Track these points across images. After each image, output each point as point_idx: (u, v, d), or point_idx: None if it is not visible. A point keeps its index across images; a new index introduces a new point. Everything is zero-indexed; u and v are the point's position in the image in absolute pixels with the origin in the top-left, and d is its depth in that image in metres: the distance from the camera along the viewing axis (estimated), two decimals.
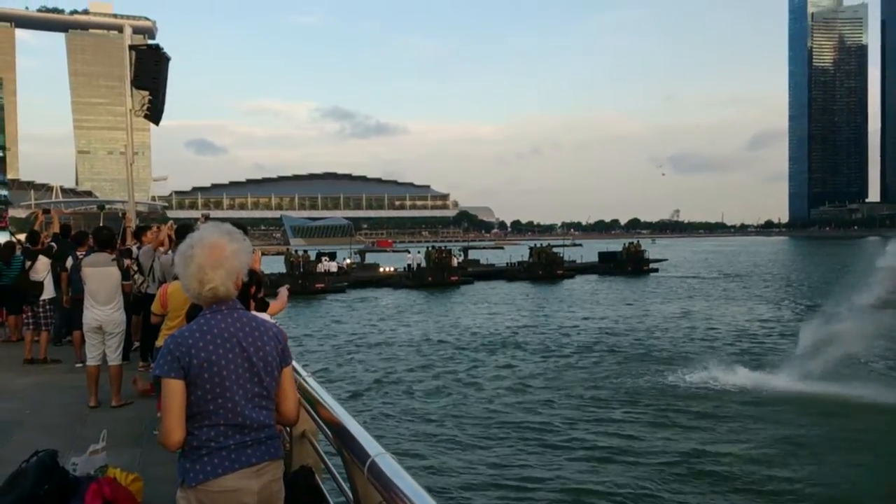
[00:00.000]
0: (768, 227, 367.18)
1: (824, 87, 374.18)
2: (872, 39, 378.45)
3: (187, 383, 2.76)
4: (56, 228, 13.65)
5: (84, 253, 9.20)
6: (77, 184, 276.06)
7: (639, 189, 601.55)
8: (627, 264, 75.89)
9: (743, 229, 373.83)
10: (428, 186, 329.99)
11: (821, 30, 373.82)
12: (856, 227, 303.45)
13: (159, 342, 6.47)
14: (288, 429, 4.26)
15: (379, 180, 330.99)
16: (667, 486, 12.99)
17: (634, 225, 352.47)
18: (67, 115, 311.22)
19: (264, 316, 4.24)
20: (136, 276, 10.10)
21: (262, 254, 7.19)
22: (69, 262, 10.61)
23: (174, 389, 2.74)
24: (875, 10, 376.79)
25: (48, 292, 11.31)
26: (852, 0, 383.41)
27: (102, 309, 8.38)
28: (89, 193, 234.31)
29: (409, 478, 2.40)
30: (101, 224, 12.71)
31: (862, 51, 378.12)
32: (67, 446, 5.86)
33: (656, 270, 77.01)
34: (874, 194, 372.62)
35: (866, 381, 19.38)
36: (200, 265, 2.86)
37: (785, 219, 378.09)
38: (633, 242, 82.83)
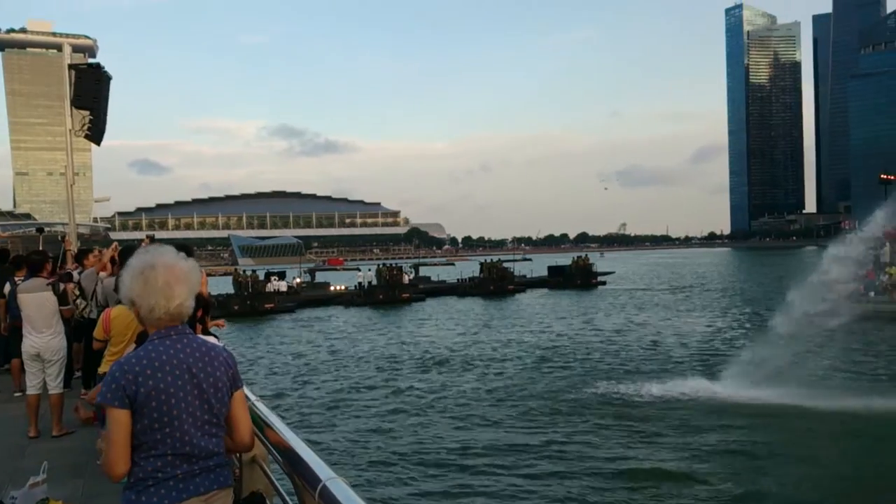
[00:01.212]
0: (711, 239, 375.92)
1: (761, 103, 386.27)
2: (805, 57, 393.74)
3: (133, 412, 2.65)
4: None
5: (22, 278, 8.92)
6: (15, 206, 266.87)
7: (587, 203, 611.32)
8: (576, 278, 76.86)
9: (687, 241, 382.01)
10: (378, 204, 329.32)
11: (756, 48, 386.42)
12: (794, 238, 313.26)
13: (102, 369, 6.29)
14: (236, 454, 4.18)
15: (329, 198, 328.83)
16: (616, 496, 13.13)
17: (583, 239, 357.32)
18: (4, 135, 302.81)
19: (212, 340, 4.16)
20: (78, 301, 9.81)
21: (209, 274, 7.06)
22: (7, 287, 10.27)
23: (119, 419, 2.64)
24: (807, 28, 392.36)
25: None
26: (785, 19, 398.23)
27: (40, 336, 8.11)
28: (28, 216, 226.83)
29: (361, 502, 2.37)
30: (40, 247, 12.33)
31: (796, 68, 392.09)
32: (6, 479, 5.65)
33: (604, 283, 78.15)
34: (811, 205, 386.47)
35: (810, 387, 19.92)
36: (167, 282, 2.79)
37: (727, 230, 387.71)
38: (581, 256, 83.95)
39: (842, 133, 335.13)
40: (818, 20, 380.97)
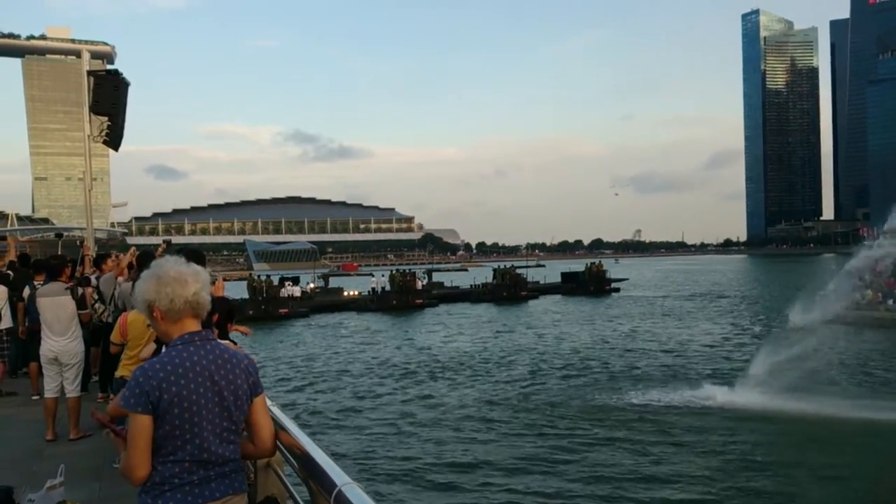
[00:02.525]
0: (727, 246, 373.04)
1: (778, 109, 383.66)
2: (823, 62, 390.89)
3: (155, 418, 2.68)
4: (12, 256, 13.30)
5: (41, 282, 9.02)
6: (34, 211, 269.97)
7: (601, 209, 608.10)
8: (590, 284, 76.60)
9: (703, 248, 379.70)
10: (393, 209, 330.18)
11: (773, 53, 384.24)
12: (811, 245, 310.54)
13: (120, 372, 6.34)
14: (253, 459, 4.19)
15: (343, 204, 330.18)
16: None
17: (597, 245, 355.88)
18: (24, 141, 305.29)
19: (234, 346, 4.19)
20: (97, 305, 9.90)
21: (224, 279, 7.06)
22: (26, 291, 10.38)
23: (142, 425, 2.67)
24: (825, 33, 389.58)
25: (5, 322, 11.01)
26: (803, 24, 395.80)
27: (58, 339, 8.19)
28: (46, 221, 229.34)
29: None
30: (59, 252, 12.47)
31: (813, 73, 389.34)
32: (23, 482, 5.70)
33: (618, 290, 77.84)
34: (828, 212, 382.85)
35: (822, 395, 19.71)
36: (179, 273, 2.87)
37: (743, 237, 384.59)
38: (594, 262, 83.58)
39: (860, 139, 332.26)
40: (836, 25, 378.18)
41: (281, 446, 3.61)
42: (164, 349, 3.00)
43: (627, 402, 21.43)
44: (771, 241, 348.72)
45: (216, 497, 2.78)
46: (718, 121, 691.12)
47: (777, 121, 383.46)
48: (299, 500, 3.66)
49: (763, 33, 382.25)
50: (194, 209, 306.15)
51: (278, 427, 3.62)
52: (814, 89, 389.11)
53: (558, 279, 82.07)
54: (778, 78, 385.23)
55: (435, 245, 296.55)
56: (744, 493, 13.62)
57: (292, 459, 3.45)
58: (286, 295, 59.42)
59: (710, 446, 16.71)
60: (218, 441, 2.79)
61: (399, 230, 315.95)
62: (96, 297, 9.96)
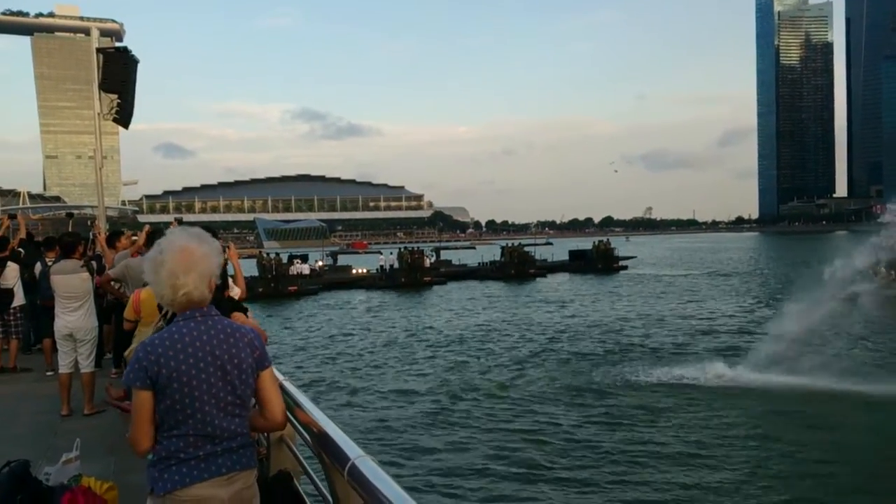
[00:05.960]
0: (739, 224, 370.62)
1: (791, 85, 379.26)
2: (838, 37, 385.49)
3: (156, 393, 2.72)
4: (23, 234, 13.39)
5: (53, 259, 9.07)
6: (45, 189, 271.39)
7: (612, 188, 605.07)
8: (598, 262, 76.46)
9: (714, 226, 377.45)
10: (402, 187, 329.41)
11: (787, 28, 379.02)
12: (824, 222, 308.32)
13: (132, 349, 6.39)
14: (265, 433, 4.22)
15: (353, 182, 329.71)
16: (636, 480, 13.13)
17: (608, 223, 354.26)
18: (34, 119, 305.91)
19: (241, 319, 4.20)
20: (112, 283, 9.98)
21: None
22: (38, 267, 10.46)
23: (142, 399, 2.73)
24: (840, 8, 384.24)
25: (18, 299, 11.12)
26: None
27: (73, 315, 8.27)
28: (57, 199, 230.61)
29: (390, 480, 2.39)
30: (70, 230, 12.53)
31: (828, 48, 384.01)
32: (40, 456, 5.77)
33: (626, 268, 77.68)
34: (841, 189, 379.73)
35: (832, 372, 19.66)
36: (172, 270, 2.81)
37: (755, 215, 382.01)
38: (602, 240, 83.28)
39: (874, 115, 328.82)
40: (851, 0, 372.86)
41: (293, 420, 3.63)
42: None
43: (626, 379, 21.41)
44: (783, 218, 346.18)
45: (222, 472, 2.80)
46: (731, 97, 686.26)
47: (790, 97, 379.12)
48: (312, 473, 3.70)
49: (777, 8, 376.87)
50: (204, 187, 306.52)
51: (291, 402, 3.65)
52: (828, 65, 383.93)
53: (566, 257, 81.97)
54: (792, 53, 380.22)
55: (445, 223, 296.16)
56: (749, 469, 13.66)
57: (305, 434, 3.47)
58: (295, 273, 59.60)
59: (714, 423, 16.72)
60: (222, 415, 2.80)
61: (409, 208, 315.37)
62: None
